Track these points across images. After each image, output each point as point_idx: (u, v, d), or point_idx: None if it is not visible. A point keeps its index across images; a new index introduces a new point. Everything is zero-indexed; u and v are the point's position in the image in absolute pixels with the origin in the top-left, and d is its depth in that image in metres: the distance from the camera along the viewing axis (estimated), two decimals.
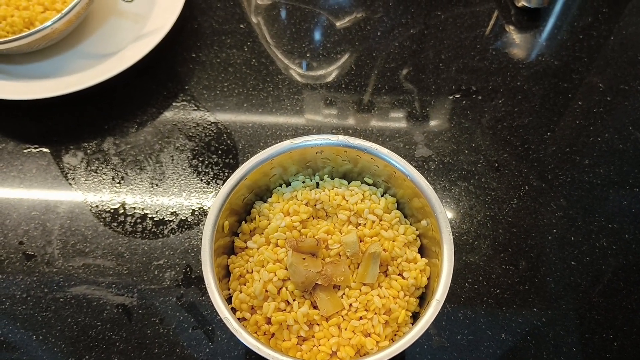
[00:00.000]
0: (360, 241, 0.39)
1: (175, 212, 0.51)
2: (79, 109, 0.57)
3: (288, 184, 0.45)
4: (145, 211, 0.51)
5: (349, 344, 0.36)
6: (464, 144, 0.56)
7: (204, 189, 0.52)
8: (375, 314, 0.37)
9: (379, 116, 0.58)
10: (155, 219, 0.51)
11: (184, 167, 0.54)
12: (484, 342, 0.44)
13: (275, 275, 0.37)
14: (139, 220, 0.51)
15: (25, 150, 0.55)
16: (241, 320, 0.38)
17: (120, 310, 0.46)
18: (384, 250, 0.39)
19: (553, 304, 0.46)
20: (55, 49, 0.60)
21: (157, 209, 0.51)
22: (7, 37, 0.53)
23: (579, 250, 0.49)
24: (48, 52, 0.59)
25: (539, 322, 0.46)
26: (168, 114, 0.57)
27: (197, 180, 0.53)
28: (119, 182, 0.53)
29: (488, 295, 0.47)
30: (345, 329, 0.37)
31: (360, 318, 0.37)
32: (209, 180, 0.53)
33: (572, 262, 0.49)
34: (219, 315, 0.34)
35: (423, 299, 0.40)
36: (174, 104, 0.58)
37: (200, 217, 0.51)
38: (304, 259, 0.37)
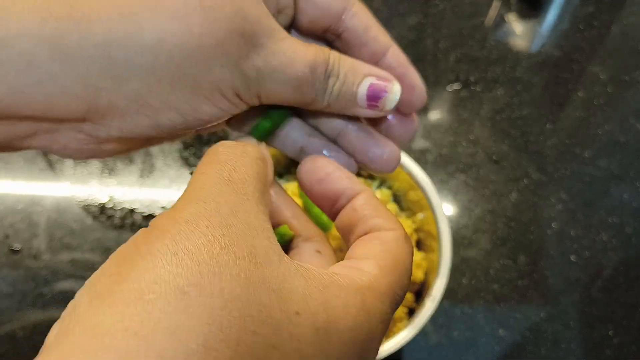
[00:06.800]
0: None
1: (165, 206, 0.50)
2: None
3: (280, 176, 0.43)
4: (134, 204, 0.50)
5: None
6: (462, 136, 0.54)
7: None
8: None
9: None
10: (145, 212, 0.49)
11: (174, 159, 0.52)
12: (481, 339, 0.43)
13: None
14: (127, 214, 0.49)
15: None
16: None
17: None
18: None
19: (552, 299, 0.45)
20: None
21: (147, 203, 0.50)
22: None
23: (578, 245, 0.48)
24: None
25: (537, 317, 0.45)
26: None
27: (188, 172, 0.52)
28: (108, 174, 0.52)
29: (486, 291, 0.46)
30: None
31: None
32: None
33: (572, 257, 0.48)
34: None
35: (419, 295, 0.39)
36: None
37: None
38: None
